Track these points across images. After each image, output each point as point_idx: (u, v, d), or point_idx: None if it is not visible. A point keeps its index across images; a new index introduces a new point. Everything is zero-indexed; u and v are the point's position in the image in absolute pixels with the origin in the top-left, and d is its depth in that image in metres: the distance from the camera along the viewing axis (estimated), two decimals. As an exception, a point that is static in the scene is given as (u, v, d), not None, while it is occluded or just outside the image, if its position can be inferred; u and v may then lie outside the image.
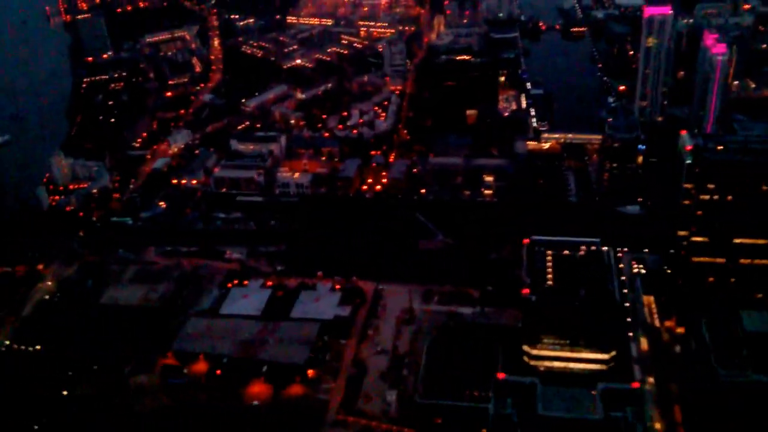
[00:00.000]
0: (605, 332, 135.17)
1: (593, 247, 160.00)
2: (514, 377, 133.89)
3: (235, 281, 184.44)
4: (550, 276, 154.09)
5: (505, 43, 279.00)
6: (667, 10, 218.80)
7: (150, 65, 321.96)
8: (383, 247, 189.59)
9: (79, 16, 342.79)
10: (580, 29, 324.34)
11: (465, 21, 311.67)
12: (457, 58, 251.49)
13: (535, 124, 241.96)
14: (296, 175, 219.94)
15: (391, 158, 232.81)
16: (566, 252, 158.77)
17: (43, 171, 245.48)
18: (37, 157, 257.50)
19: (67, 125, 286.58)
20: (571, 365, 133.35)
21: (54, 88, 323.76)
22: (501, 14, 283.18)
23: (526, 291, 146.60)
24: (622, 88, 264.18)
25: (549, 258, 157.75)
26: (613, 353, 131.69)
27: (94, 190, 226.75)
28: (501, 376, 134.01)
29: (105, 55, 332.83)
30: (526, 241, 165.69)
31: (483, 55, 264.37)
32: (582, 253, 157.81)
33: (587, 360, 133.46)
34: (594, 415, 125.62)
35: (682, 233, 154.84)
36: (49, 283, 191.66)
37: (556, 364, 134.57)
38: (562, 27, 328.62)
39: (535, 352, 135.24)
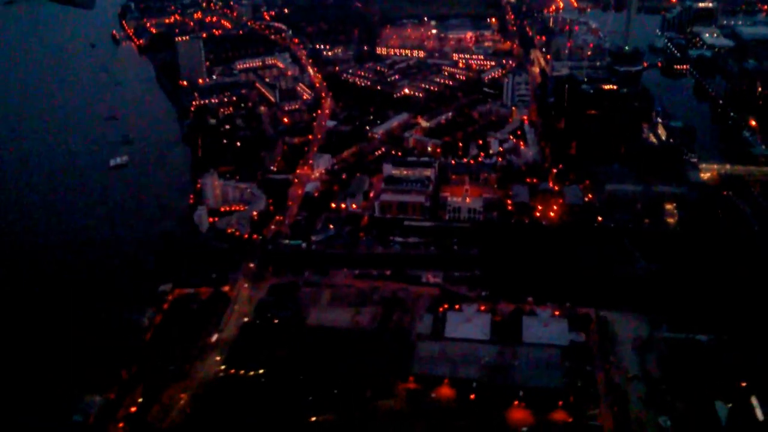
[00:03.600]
0: None
1: None
2: None
3: (445, 305, 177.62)
4: None
5: (629, 76, 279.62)
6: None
7: (251, 91, 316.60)
8: (596, 274, 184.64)
9: (177, 39, 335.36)
10: (683, 66, 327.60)
11: (589, 53, 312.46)
12: (605, 87, 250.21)
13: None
14: (468, 200, 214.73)
15: (550, 184, 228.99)
16: None
17: (186, 192, 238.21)
18: (172, 180, 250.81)
19: (182, 147, 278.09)
20: None
21: (152, 110, 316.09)
22: (627, 47, 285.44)
23: None
24: (753, 123, 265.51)
25: None
26: None
27: (254, 213, 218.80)
28: None
29: (200, 80, 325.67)
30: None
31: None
32: None
33: None
34: None
35: None
36: (241, 305, 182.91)
37: None
38: (664, 64, 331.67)
39: None
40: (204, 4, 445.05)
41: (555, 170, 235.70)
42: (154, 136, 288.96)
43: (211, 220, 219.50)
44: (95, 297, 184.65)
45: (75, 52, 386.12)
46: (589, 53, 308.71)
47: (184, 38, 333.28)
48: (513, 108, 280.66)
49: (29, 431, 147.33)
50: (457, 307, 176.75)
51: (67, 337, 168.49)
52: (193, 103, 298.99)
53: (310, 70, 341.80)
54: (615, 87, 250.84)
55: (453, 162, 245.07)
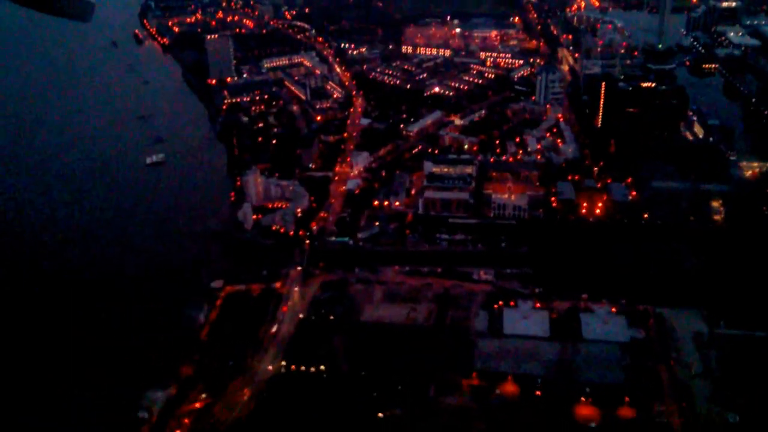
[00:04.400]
0: None
1: None
2: None
3: (500, 302, 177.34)
4: None
5: (662, 74, 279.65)
6: None
7: (281, 89, 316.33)
8: (649, 271, 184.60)
9: (208, 36, 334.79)
10: (712, 65, 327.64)
11: (622, 51, 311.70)
12: (643, 85, 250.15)
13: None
14: (513, 197, 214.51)
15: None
16: None
17: (224, 189, 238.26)
18: (209, 177, 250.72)
19: (216, 145, 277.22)
20: None
21: (181, 109, 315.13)
22: (660, 46, 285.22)
23: None
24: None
25: None
26: None
27: (298, 210, 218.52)
28: None
29: (229, 78, 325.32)
30: None
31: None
32: None
33: None
34: None
35: None
36: (294, 301, 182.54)
37: None
38: (692, 63, 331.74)
39: None
40: (224, 4, 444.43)
41: (596, 168, 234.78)
42: (185, 135, 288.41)
43: (254, 217, 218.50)
44: (148, 294, 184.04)
45: (97, 51, 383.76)
46: (622, 51, 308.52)
47: (213, 36, 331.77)
48: (547, 106, 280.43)
49: (94, 429, 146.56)
50: (512, 304, 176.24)
51: (124, 333, 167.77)
52: (225, 101, 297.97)
53: (337, 69, 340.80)
54: (653, 84, 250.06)
55: (492, 160, 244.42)
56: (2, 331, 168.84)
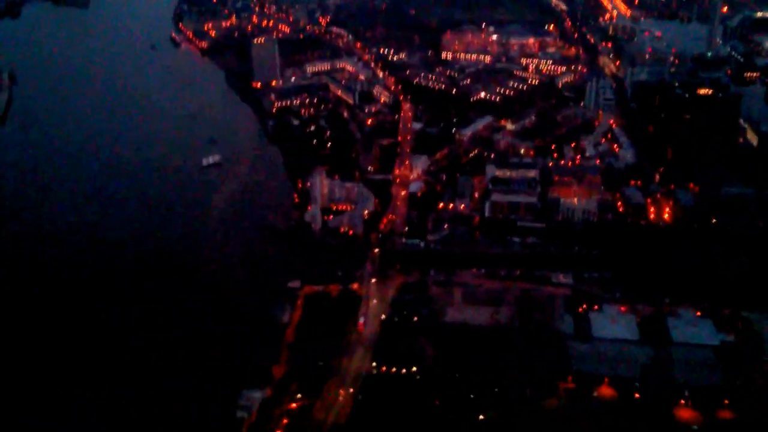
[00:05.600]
0: None
1: None
2: None
3: (584, 305, 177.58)
4: None
5: (713, 81, 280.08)
6: None
7: (326, 93, 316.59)
8: (729, 274, 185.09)
9: (255, 40, 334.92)
10: (754, 74, 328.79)
11: (670, 58, 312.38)
12: (700, 92, 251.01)
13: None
14: (582, 201, 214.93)
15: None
16: None
17: (283, 191, 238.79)
18: (267, 179, 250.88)
19: (269, 147, 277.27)
20: None
21: (228, 111, 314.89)
22: (709, 53, 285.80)
23: None
24: None
25: None
26: None
27: (365, 212, 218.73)
28: None
29: (273, 82, 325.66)
30: None
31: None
32: None
33: None
34: None
35: None
36: (373, 303, 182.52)
37: None
38: (734, 71, 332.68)
39: None
40: (257, 8, 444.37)
41: (657, 174, 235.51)
42: (236, 137, 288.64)
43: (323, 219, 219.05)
44: (224, 293, 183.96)
45: (137, 54, 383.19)
46: (671, 59, 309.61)
47: (260, 40, 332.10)
48: (599, 112, 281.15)
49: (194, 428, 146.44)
50: (596, 307, 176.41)
51: (211, 331, 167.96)
52: (275, 104, 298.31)
53: (380, 74, 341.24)
54: (710, 91, 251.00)
55: (551, 164, 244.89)
56: (39, 329, 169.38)
